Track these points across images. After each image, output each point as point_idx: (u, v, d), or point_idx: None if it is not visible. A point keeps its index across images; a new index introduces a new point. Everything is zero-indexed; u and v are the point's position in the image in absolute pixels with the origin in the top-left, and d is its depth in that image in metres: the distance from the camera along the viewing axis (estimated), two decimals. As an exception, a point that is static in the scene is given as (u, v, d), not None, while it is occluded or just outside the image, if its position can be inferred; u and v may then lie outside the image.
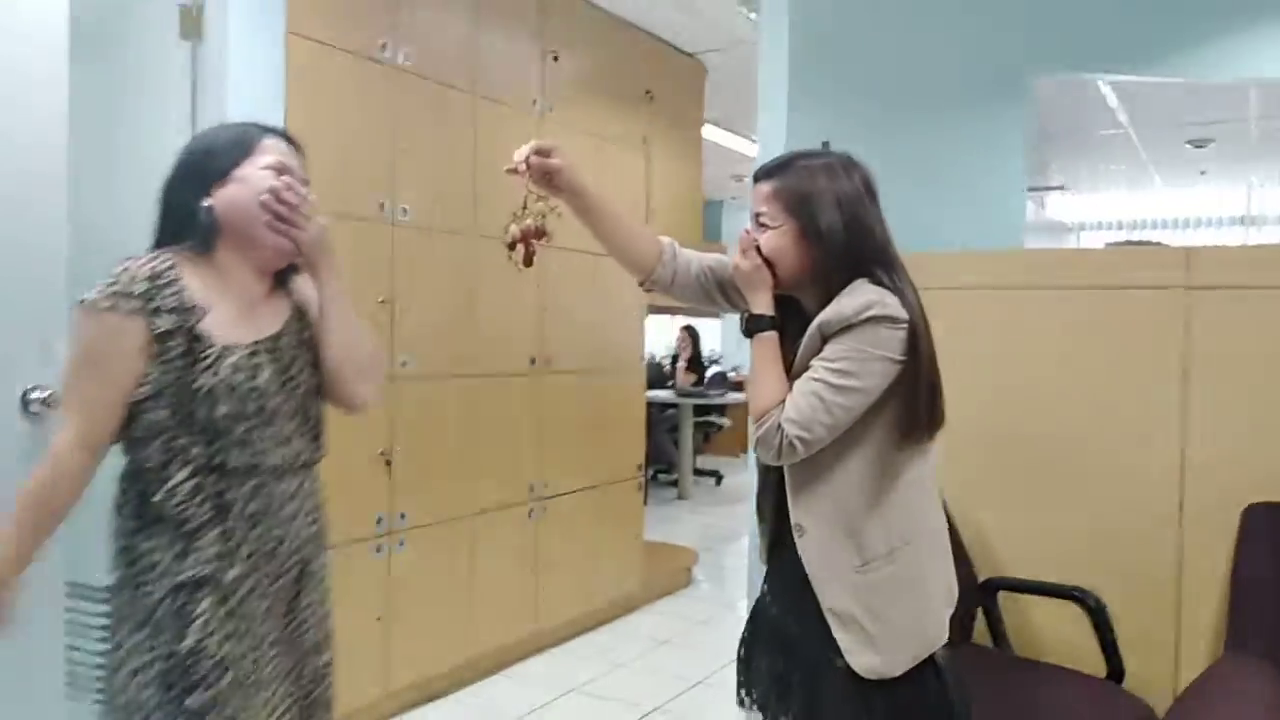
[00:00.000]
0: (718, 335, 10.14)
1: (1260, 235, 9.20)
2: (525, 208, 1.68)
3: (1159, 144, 7.09)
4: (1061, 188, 8.99)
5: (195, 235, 1.49)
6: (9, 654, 1.91)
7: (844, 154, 1.62)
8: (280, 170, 1.52)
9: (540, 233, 1.71)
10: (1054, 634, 2.39)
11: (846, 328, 1.49)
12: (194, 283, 1.49)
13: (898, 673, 1.54)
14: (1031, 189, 5.71)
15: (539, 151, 1.64)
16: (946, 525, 1.68)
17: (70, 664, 2.36)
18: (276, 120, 2.60)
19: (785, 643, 1.67)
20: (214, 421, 1.45)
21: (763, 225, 1.59)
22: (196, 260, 1.51)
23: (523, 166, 1.63)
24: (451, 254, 3.23)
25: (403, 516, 3.05)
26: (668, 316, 8.16)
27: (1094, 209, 9.99)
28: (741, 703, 1.78)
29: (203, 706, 1.43)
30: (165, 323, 1.43)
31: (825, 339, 1.52)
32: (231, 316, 1.50)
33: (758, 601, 1.80)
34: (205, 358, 1.45)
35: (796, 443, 1.48)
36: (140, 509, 1.47)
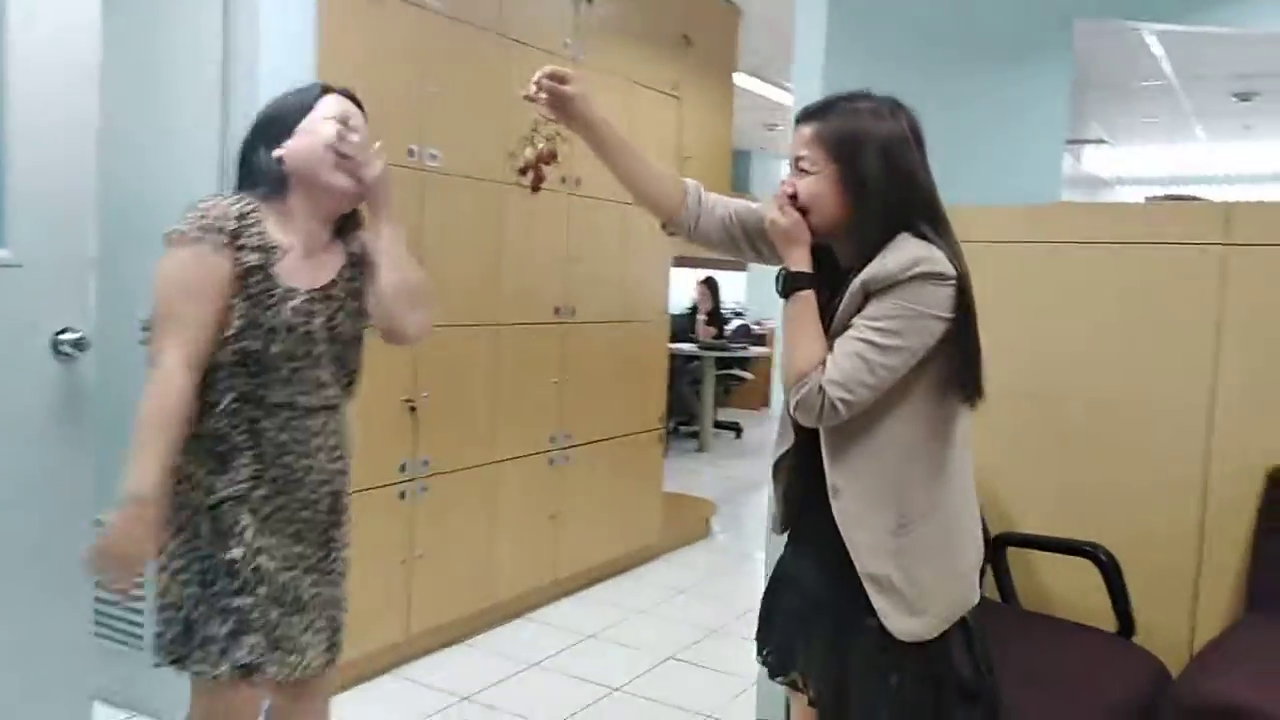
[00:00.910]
0: (742, 287, 10.08)
1: (1304, 193, 8.98)
2: (535, 131, 1.65)
3: (1203, 96, 6.90)
4: (1100, 140, 8.79)
5: (267, 183, 1.61)
6: (38, 594, 1.96)
7: (891, 98, 1.54)
8: (341, 120, 1.62)
9: (551, 157, 1.68)
10: (1064, 590, 2.39)
11: (891, 285, 1.44)
12: (271, 226, 1.60)
13: (933, 635, 1.53)
14: (1069, 141, 5.58)
15: (553, 77, 1.60)
16: (973, 486, 1.66)
17: (99, 604, 2.42)
18: (307, 66, 2.60)
19: (811, 602, 1.65)
20: (267, 356, 1.57)
21: (802, 170, 1.53)
22: (270, 206, 1.62)
23: (535, 92, 1.60)
24: (479, 201, 3.21)
25: (426, 463, 3.08)
26: (689, 269, 8.11)
27: (1133, 163, 9.77)
28: (764, 662, 1.77)
29: (242, 607, 1.56)
30: (251, 259, 1.55)
31: (869, 296, 1.46)
32: (297, 262, 1.62)
33: (780, 562, 1.77)
34: (272, 297, 1.57)
35: (839, 404, 1.44)
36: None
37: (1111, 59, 5.67)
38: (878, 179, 1.48)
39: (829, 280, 1.56)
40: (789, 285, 1.54)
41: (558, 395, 3.67)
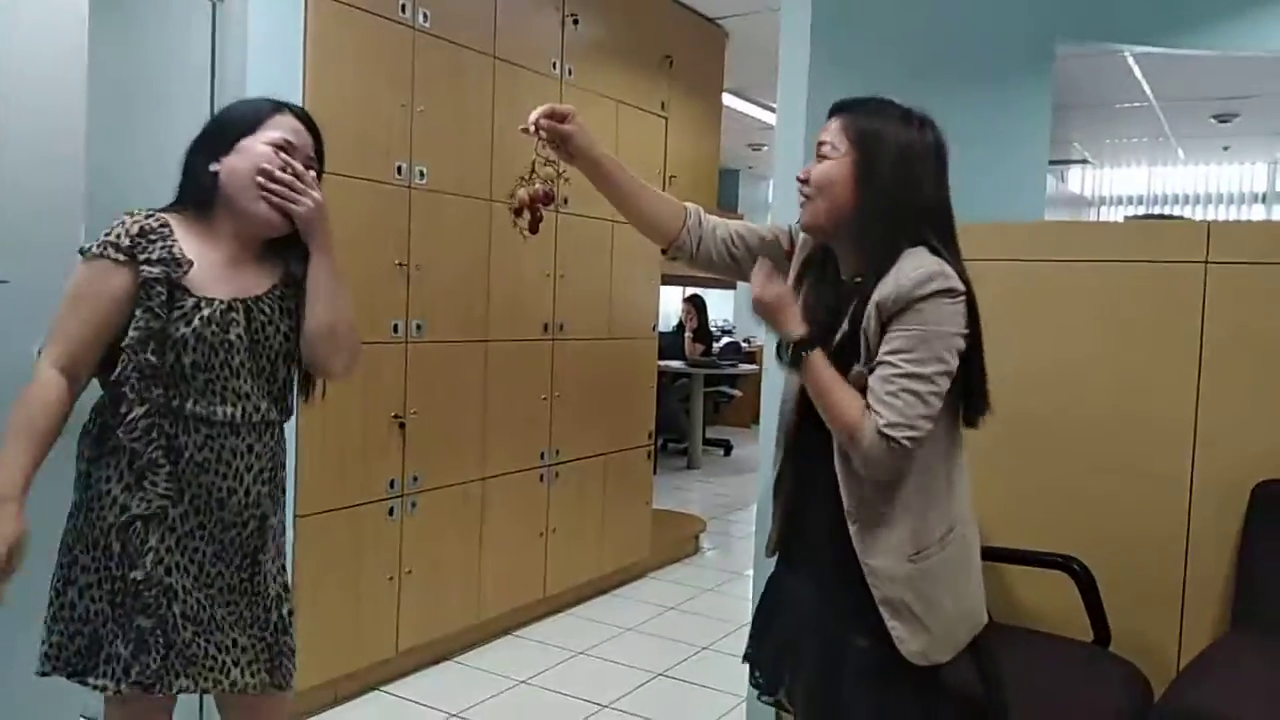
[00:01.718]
0: (729, 305, 10.12)
1: (1282, 213, 9.09)
2: (533, 172, 1.65)
3: (1183, 118, 7.01)
4: (1083, 161, 8.89)
5: (196, 196, 1.63)
6: (24, 611, 1.94)
7: (924, 113, 1.56)
8: (281, 147, 1.61)
9: (547, 198, 1.66)
10: (1036, 603, 2.40)
11: (908, 305, 1.43)
12: (186, 239, 1.61)
13: (947, 658, 1.53)
14: (1052, 162, 5.64)
15: (552, 115, 1.60)
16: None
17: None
18: (295, 81, 2.61)
19: (803, 623, 1.64)
20: (179, 367, 1.57)
21: (822, 155, 1.53)
22: (195, 219, 1.63)
23: (532, 128, 1.60)
24: (468, 218, 3.23)
25: (415, 479, 3.08)
26: (678, 288, 8.14)
27: (1115, 183, 9.88)
28: (755, 682, 1.77)
29: (151, 627, 1.55)
30: (151, 272, 1.55)
31: (886, 317, 1.45)
32: (215, 274, 1.61)
33: (772, 581, 1.76)
34: (181, 307, 1.57)
35: (907, 443, 1.41)
36: (100, 439, 1.60)
37: (1093, 81, 5.76)
38: (888, 176, 1.49)
39: (833, 292, 1.57)
40: (796, 353, 1.50)
41: (547, 412, 3.68)
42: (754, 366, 7.95)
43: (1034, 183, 3.10)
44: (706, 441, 7.76)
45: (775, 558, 1.75)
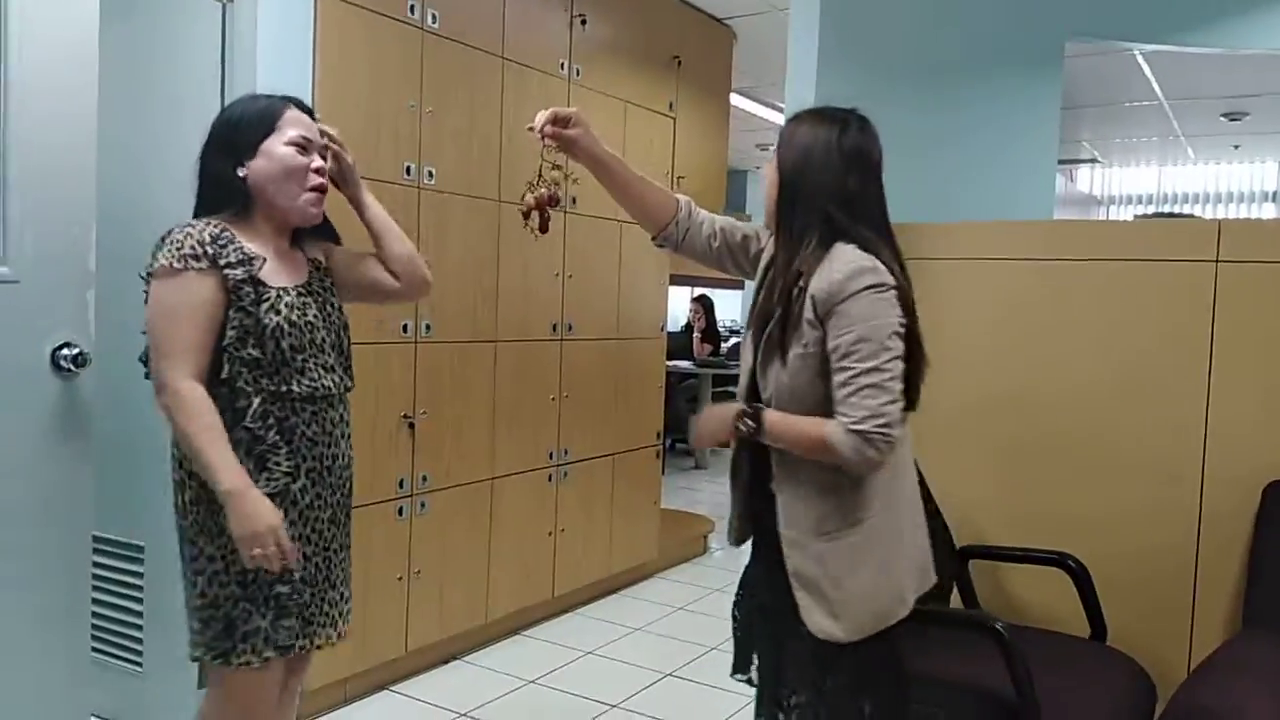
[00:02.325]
0: (737, 306, 10.10)
1: (1293, 212, 9.04)
2: (540, 176, 1.75)
3: (1193, 116, 6.97)
4: (1092, 160, 8.86)
5: (234, 203, 1.73)
6: (34, 613, 1.95)
7: (861, 115, 1.65)
8: (302, 145, 1.74)
9: (554, 201, 1.79)
10: (1032, 601, 2.40)
11: (842, 300, 1.52)
12: (243, 240, 1.72)
13: (849, 639, 1.59)
14: (1061, 161, 5.62)
15: (557, 120, 1.71)
16: (923, 507, 1.74)
17: (98, 621, 2.41)
18: (305, 81, 2.62)
19: (760, 607, 1.75)
20: (280, 354, 1.69)
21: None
22: (235, 221, 1.73)
23: (538, 133, 1.70)
24: (476, 219, 3.23)
25: (424, 479, 3.08)
26: (686, 288, 8.13)
27: (1124, 182, 9.84)
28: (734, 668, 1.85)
29: (289, 593, 1.70)
30: (236, 274, 1.66)
31: (823, 311, 1.54)
32: (275, 266, 1.74)
33: (746, 567, 1.86)
34: (267, 298, 1.69)
35: (886, 432, 1.49)
36: None
37: (1103, 79, 5.73)
38: (789, 166, 1.62)
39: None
40: (753, 424, 1.60)
41: (555, 412, 3.68)
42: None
43: (1043, 181, 3.09)
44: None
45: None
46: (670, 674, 3.28)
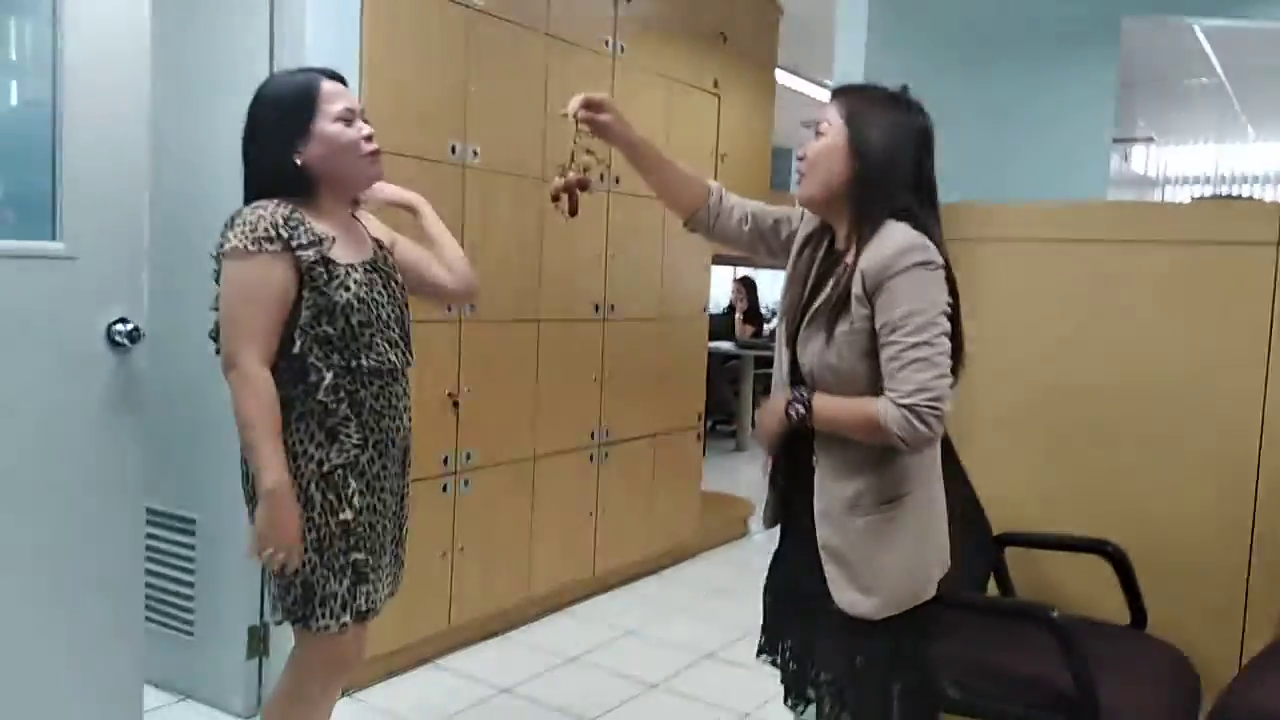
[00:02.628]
0: (779, 287, 10.03)
1: (1359, 193, 8.74)
2: (572, 160, 1.76)
3: (1254, 95, 6.75)
4: (1149, 139, 8.64)
5: (300, 190, 1.74)
6: (90, 582, 2.00)
7: (914, 99, 1.65)
8: (348, 118, 1.76)
9: (584, 184, 1.80)
10: (1069, 588, 2.36)
11: (891, 275, 1.52)
12: (311, 219, 1.73)
13: (878, 616, 1.60)
14: (1116, 140, 5.49)
15: (589, 105, 1.74)
16: (944, 491, 1.73)
17: (151, 590, 2.47)
18: (352, 61, 2.63)
19: (789, 586, 1.76)
20: (349, 329, 1.72)
21: (819, 134, 1.64)
22: (302, 203, 1.75)
23: (572, 117, 1.74)
24: (520, 198, 3.24)
25: (468, 457, 3.11)
26: (729, 268, 8.08)
27: (1181, 163, 9.58)
28: (761, 647, 1.86)
29: (358, 561, 1.75)
30: (309, 255, 1.68)
31: (872, 285, 1.53)
32: (343, 243, 1.77)
33: (777, 549, 1.86)
34: (337, 276, 1.72)
35: (937, 406, 1.49)
36: (285, 409, 1.70)
37: (1160, 56, 5.57)
38: (876, 150, 1.58)
39: (824, 260, 1.69)
40: (806, 414, 1.60)
41: (597, 392, 3.69)
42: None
43: (1098, 161, 3.01)
44: (755, 424, 7.72)
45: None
46: (710, 655, 3.28)
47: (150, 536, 2.47)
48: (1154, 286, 2.34)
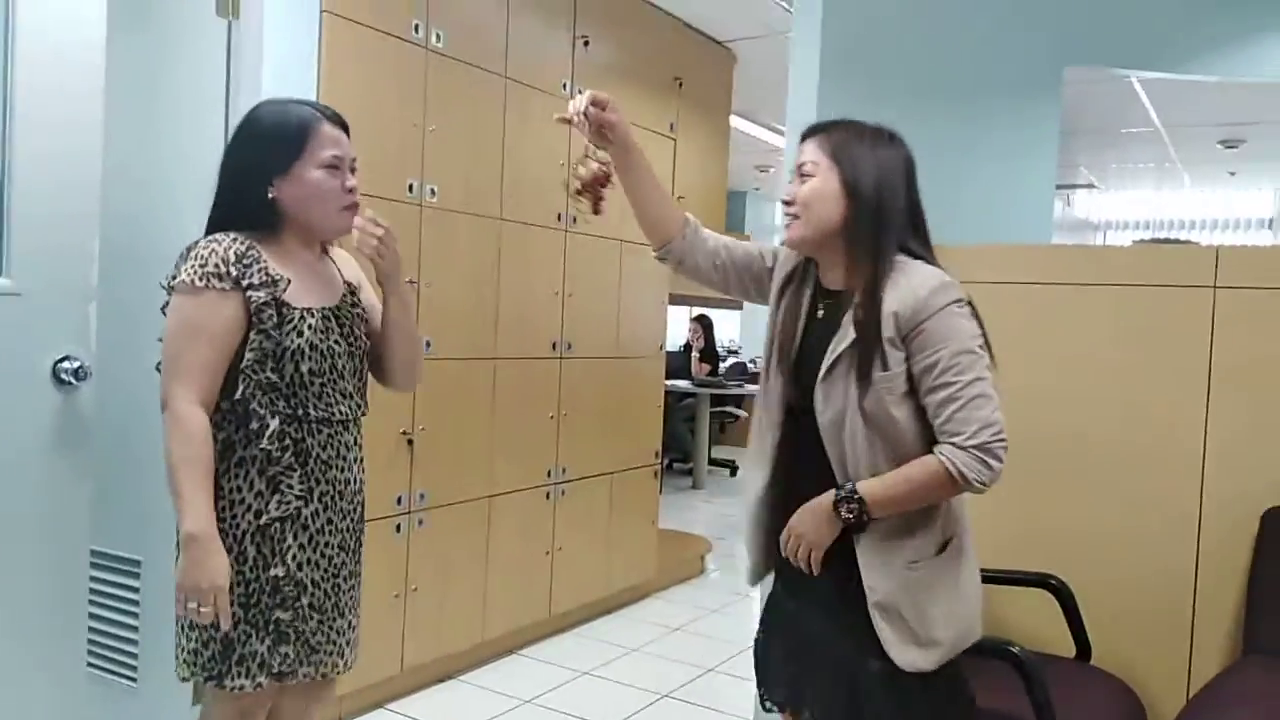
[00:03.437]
0: (736, 326, 10.12)
1: (1289, 239, 9.09)
2: (588, 154, 1.71)
3: (1190, 143, 7.01)
4: (1090, 185, 8.91)
5: (263, 223, 1.69)
6: (32, 625, 1.94)
7: (890, 129, 1.63)
8: (334, 166, 1.70)
9: (606, 179, 1.72)
10: (1018, 622, 2.39)
11: (928, 317, 1.49)
12: (270, 258, 1.67)
13: (933, 667, 1.55)
14: (1059, 186, 5.65)
15: (596, 103, 1.65)
16: None
17: (93, 636, 2.39)
18: (309, 97, 2.63)
19: (805, 640, 1.66)
20: (298, 376, 1.66)
21: (804, 175, 1.59)
22: (263, 238, 1.69)
23: (579, 118, 1.65)
24: (477, 237, 3.25)
25: (422, 496, 3.08)
26: (685, 307, 8.14)
27: (1121, 208, 9.89)
28: (768, 705, 1.77)
29: (290, 619, 1.67)
30: (259, 296, 1.62)
31: (907, 328, 1.50)
32: (302, 286, 1.70)
33: (772, 599, 1.78)
34: (290, 320, 1.65)
35: (1004, 439, 1.48)
36: (225, 454, 1.64)
37: (1101, 106, 5.78)
38: (871, 187, 1.56)
39: (811, 301, 1.65)
40: (863, 511, 1.52)
41: (554, 430, 3.68)
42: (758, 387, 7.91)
43: (1042, 206, 3.11)
44: (712, 462, 7.75)
45: (773, 578, 1.78)
46: (667, 695, 3.26)
47: (94, 579, 2.40)
48: (1096, 327, 2.41)
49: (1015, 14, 2.96)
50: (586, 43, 3.67)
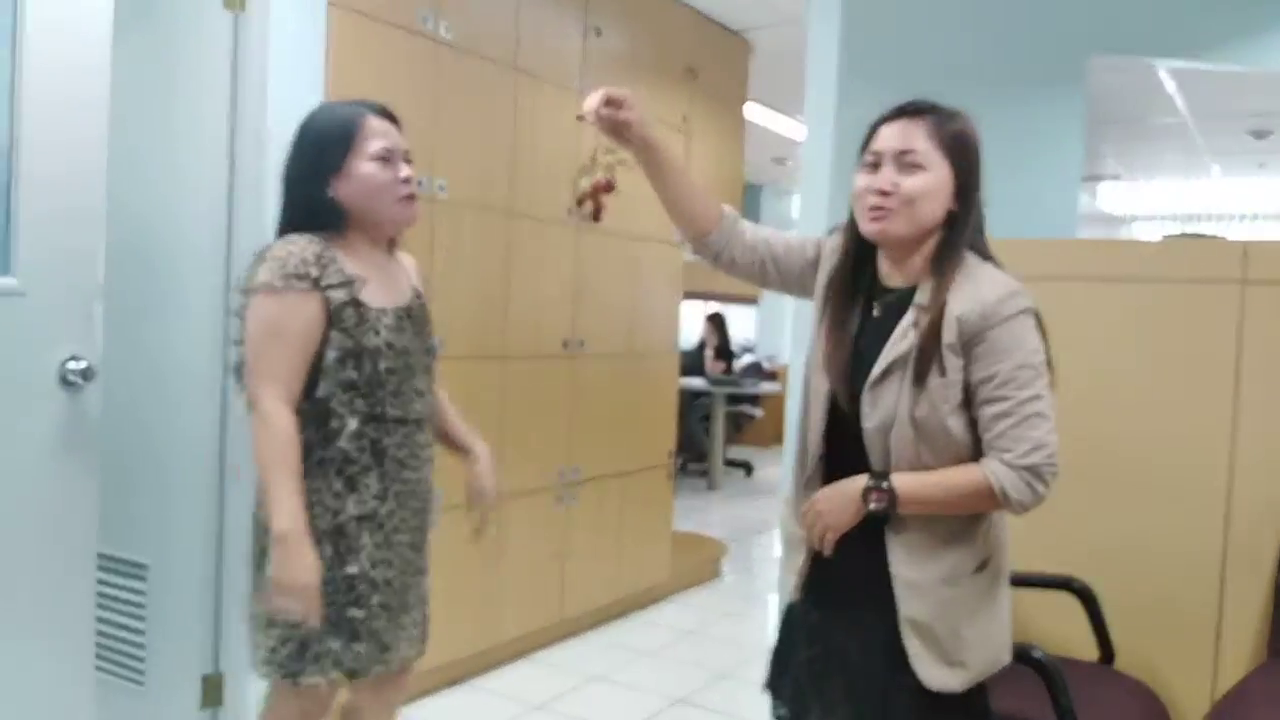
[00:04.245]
0: (751, 323, 10.05)
1: (1318, 232, 8.95)
2: (594, 160, 1.66)
3: (1218, 134, 6.90)
4: (1115, 177, 8.79)
5: (329, 224, 1.71)
6: (39, 628, 1.93)
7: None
8: (386, 157, 1.71)
9: (609, 186, 1.70)
10: (1040, 625, 2.34)
11: (995, 324, 1.41)
12: (342, 259, 1.70)
13: (962, 689, 1.48)
14: (1084, 178, 5.58)
15: (610, 102, 1.57)
16: None
17: (100, 638, 2.38)
18: (316, 92, 2.60)
19: (831, 653, 1.58)
20: (377, 375, 1.68)
21: (910, 165, 1.45)
22: (335, 241, 1.72)
23: (591, 116, 1.57)
24: (487, 232, 3.20)
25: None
26: (700, 303, 8.09)
27: (1147, 200, 9.76)
28: (778, 716, 1.71)
29: (363, 618, 1.70)
30: (338, 296, 1.65)
31: (970, 334, 1.41)
32: (375, 285, 1.72)
33: (791, 610, 1.69)
34: (367, 320, 1.68)
35: (1055, 463, 1.40)
36: (304, 456, 1.64)
37: (1127, 96, 5.68)
38: (977, 191, 1.48)
39: (866, 298, 1.54)
40: (892, 504, 1.45)
41: (566, 429, 3.64)
42: (776, 386, 7.87)
43: (1066, 199, 3.04)
44: (727, 462, 7.68)
45: (796, 588, 1.68)
46: (681, 700, 3.21)
47: (101, 582, 2.38)
48: (1122, 323, 2.35)
49: (1039, 1, 2.89)
50: (599, 33, 3.62)
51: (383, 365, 1.68)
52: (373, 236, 1.76)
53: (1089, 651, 2.19)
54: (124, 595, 2.62)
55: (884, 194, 1.46)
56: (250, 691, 2.55)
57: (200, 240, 2.51)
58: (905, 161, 1.46)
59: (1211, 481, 2.23)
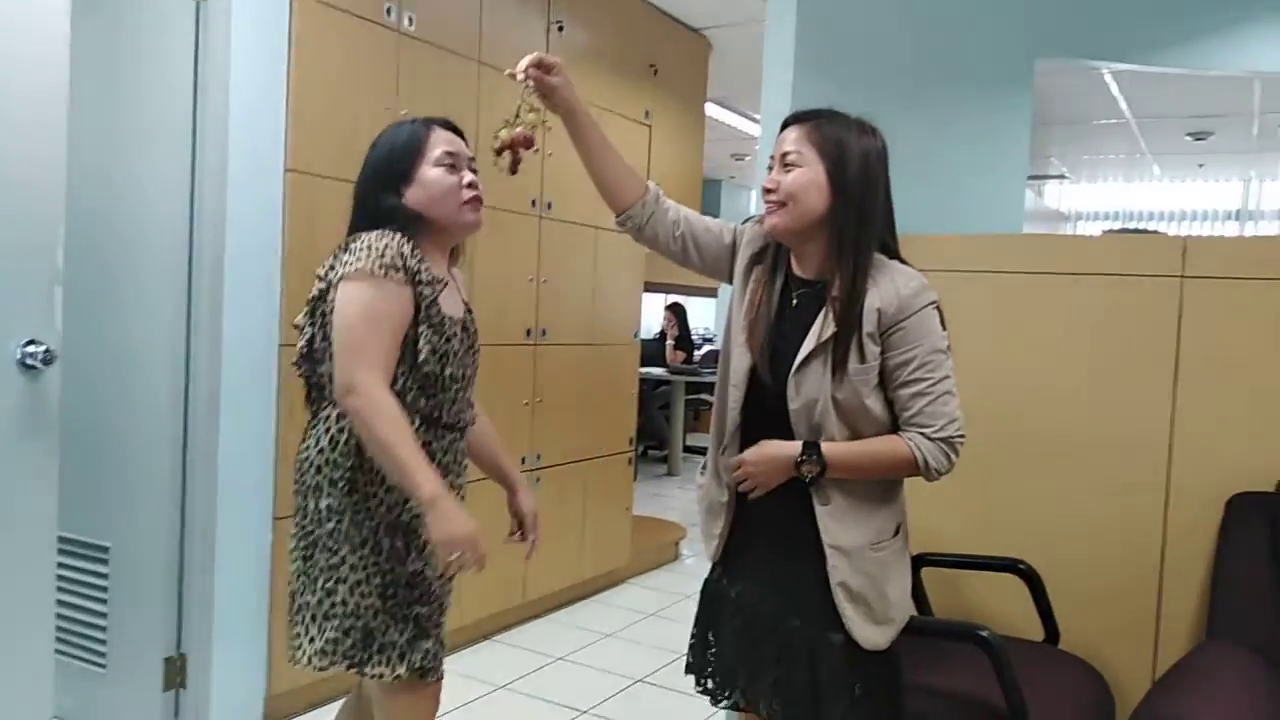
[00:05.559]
0: (710, 315, 10.13)
1: (1255, 231, 9.23)
2: (517, 116, 1.73)
3: (1159, 135, 7.10)
4: (1060, 176, 8.99)
5: (403, 226, 1.70)
6: (0, 611, 1.92)
7: (871, 121, 1.65)
8: (449, 163, 1.74)
9: (528, 142, 1.75)
10: (985, 606, 2.42)
11: (909, 315, 1.57)
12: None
13: (888, 644, 1.63)
14: (1030, 177, 5.70)
15: (540, 65, 1.68)
16: None
17: (61, 621, 2.37)
18: (279, 82, 2.61)
19: (757, 621, 1.69)
20: (442, 380, 1.70)
21: (789, 165, 1.61)
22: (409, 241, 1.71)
23: (520, 75, 1.67)
24: (450, 222, 3.22)
25: (395, 483, 3.06)
26: (660, 295, 8.15)
27: (1091, 199, 9.99)
28: (704, 689, 1.80)
29: (428, 614, 1.72)
30: (427, 293, 1.66)
31: (887, 324, 1.57)
32: (446, 293, 1.74)
33: (709, 585, 1.81)
34: (442, 324, 1.69)
35: (964, 435, 1.59)
36: (362, 449, 1.65)
37: (1072, 97, 5.83)
38: (858, 182, 1.58)
39: (785, 289, 1.68)
40: (821, 469, 1.58)
41: (529, 416, 3.67)
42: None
43: (1013, 197, 3.13)
44: (686, 449, 7.77)
45: (711, 572, 1.82)
46: (641, 680, 3.27)
47: (61, 565, 2.37)
48: (1064, 316, 2.43)
49: (988, 5, 2.97)
50: (561, 28, 3.65)
51: (448, 371, 1.71)
52: (439, 244, 1.78)
53: (1035, 632, 2.26)
54: (86, 578, 2.61)
55: (769, 191, 1.63)
56: (215, 673, 2.56)
57: (163, 227, 2.50)
58: (786, 162, 1.61)
59: (1152, 467, 2.32)
